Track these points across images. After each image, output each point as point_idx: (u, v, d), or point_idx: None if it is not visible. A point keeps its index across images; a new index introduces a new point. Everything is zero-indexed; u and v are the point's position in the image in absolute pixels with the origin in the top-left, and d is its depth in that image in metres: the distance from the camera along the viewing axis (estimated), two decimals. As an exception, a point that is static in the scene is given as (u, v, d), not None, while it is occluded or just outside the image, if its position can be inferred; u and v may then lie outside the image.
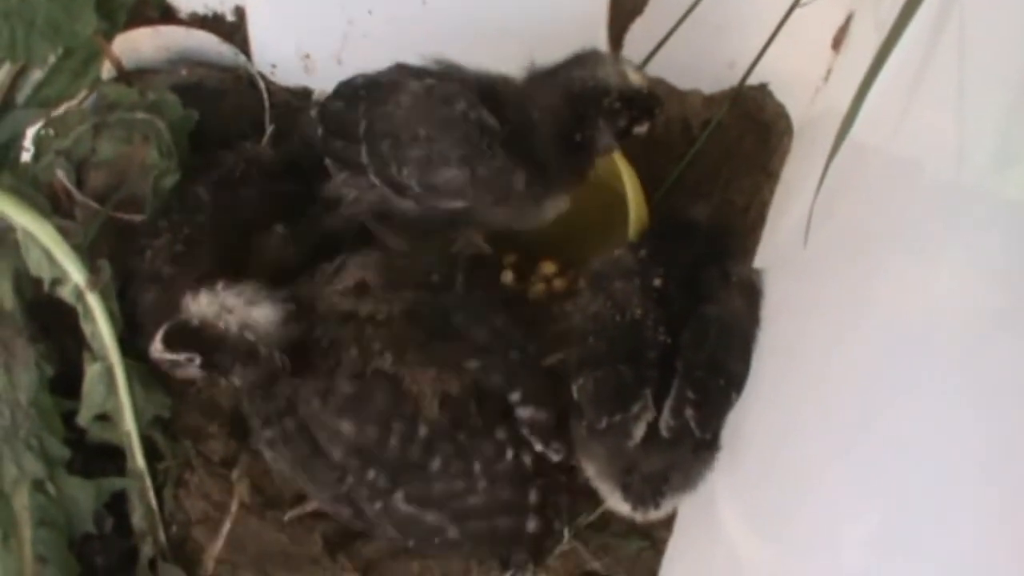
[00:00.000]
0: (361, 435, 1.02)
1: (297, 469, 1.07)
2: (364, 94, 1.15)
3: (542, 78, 1.11)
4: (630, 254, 1.08)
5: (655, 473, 0.99)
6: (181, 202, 1.20)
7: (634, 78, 1.10)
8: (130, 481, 1.16)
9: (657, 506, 0.99)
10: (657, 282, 1.04)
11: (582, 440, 1.02)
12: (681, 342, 1.00)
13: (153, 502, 1.17)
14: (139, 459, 1.16)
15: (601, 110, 1.09)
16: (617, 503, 1.02)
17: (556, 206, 1.14)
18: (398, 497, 1.03)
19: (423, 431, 1.02)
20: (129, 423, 1.15)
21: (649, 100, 1.11)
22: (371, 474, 1.03)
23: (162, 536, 1.17)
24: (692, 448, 0.98)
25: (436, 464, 1.02)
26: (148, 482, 1.16)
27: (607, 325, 1.03)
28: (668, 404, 0.97)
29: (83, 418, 1.15)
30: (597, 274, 1.08)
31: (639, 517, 1.01)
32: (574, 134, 1.10)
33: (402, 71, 1.15)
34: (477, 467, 1.03)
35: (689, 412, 0.96)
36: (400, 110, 1.11)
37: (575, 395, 1.02)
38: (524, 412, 1.05)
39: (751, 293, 1.04)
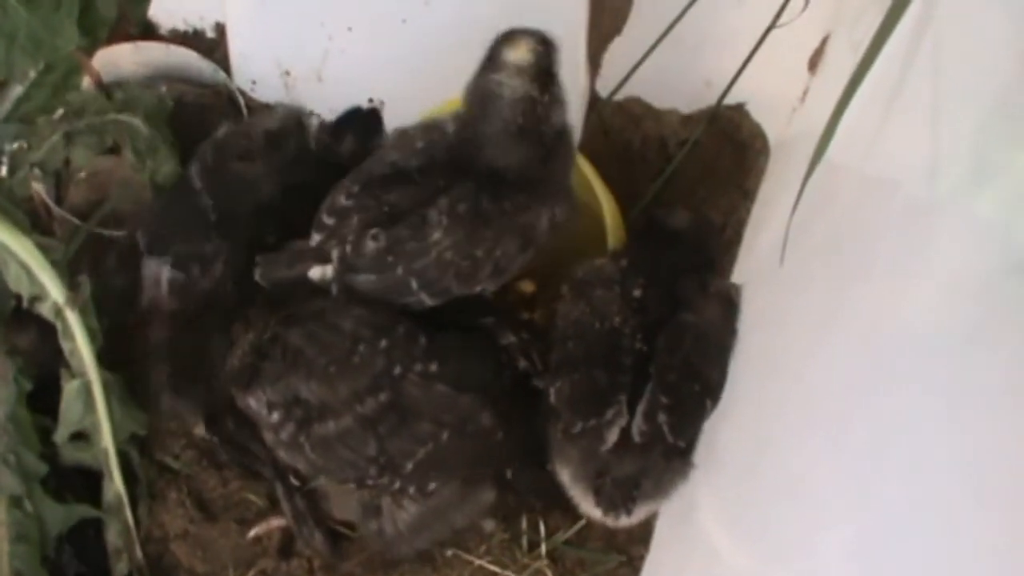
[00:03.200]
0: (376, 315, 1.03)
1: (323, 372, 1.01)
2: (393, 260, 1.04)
3: None
4: (612, 263, 1.09)
5: (626, 478, 0.99)
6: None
7: None
8: (99, 512, 1.15)
9: (629, 512, 1.00)
10: (637, 292, 1.05)
11: (557, 443, 1.02)
12: (656, 347, 1.01)
13: (130, 519, 1.16)
14: (116, 477, 1.15)
15: None
16: (589, 508, 1.02)
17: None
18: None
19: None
20: (107, 440, 1.14)
21: None
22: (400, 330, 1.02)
23: (139, 553, 1.16)
24: (664, 454, 0.99)
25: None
26: (125, 500, 1.15)
27: (586, 331, 1.04)
28: (640, 408, 0.98)
29: (60, 436, 1.14)
30: (579, 281, 1.09)
31: (611, 522, 1.02)
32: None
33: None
34: None
35: (662, 417, 0.98)
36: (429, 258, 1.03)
37: (552, 399, 1.03)
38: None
39: (728, 304, 1.05)
